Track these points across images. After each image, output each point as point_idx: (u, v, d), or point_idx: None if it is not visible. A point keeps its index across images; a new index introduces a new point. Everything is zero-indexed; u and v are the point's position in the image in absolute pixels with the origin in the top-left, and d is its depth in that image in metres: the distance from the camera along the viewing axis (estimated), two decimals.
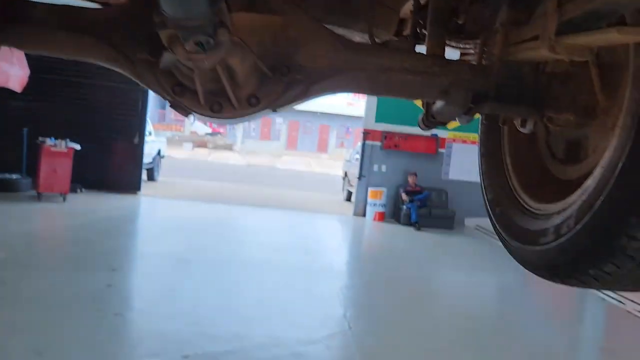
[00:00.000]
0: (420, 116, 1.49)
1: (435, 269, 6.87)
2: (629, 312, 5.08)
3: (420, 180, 9.86)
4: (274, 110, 1.31)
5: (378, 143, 10.16)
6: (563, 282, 1.11)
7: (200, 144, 29.84)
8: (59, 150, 8.04)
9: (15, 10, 1.25)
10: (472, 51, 1.50)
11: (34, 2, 1.30)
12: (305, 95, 1.28)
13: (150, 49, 1.19)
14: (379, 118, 10.16)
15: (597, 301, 5.42)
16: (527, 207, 1.30)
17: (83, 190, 9.10)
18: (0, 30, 1.24)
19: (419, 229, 9.15)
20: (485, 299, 5.73)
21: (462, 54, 1.58)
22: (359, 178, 10.25)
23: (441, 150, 10.28)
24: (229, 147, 30.45)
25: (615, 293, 5.31)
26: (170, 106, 1.29)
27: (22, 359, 2.88)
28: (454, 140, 10.27)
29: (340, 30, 1.53)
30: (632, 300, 5.19)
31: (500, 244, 1.33)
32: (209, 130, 34.83)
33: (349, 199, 12.01)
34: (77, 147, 8.25)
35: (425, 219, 9.39)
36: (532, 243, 1.17)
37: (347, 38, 1.40)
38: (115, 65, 1.28)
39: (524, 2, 1.18)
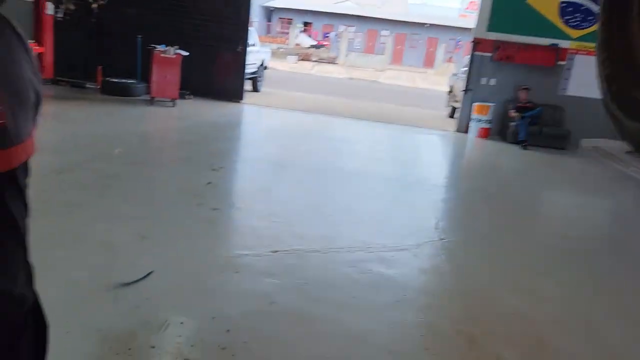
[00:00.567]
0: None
1: (540, 189, 6.42)
2: None
3: (532, 95, 9.04)
4: None
5: (488, 54, 9.35)
6: None
7: (304, 56, 29.74)
8: (168, 56, 8.40)
9: None
10: None
11: None
12: None
13: None
14: (492, 27, 9.26)
15: None
16: None
17: (191, 96, 9.53)
18: None
19: (525, 147, 8.52)
20: (596, 222, 5.28)
21: None
22: (465, 92, 9.62)
23: (560, 62, 9.25)
24: (332, 60, 30.05)
25: None
26: None
27: (129, 241, 3.16)
28: (577, 52, 9.16)
29: None
30: None
31: (620, 139, 1.10)
32: (314, 43, 34.52)
33: (452, 115, 11.40)
34: (185, 53, 8.54)
35: (535, 137, 8.69)
36: None
37: None
38: None
39: None
